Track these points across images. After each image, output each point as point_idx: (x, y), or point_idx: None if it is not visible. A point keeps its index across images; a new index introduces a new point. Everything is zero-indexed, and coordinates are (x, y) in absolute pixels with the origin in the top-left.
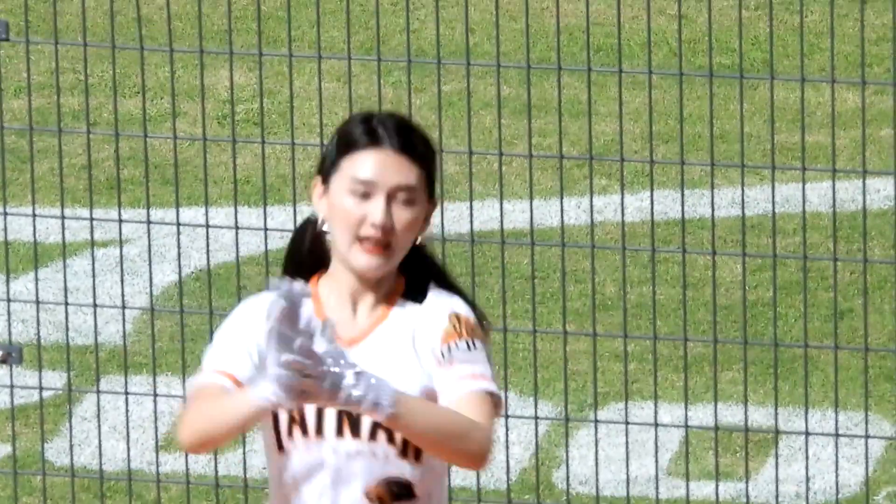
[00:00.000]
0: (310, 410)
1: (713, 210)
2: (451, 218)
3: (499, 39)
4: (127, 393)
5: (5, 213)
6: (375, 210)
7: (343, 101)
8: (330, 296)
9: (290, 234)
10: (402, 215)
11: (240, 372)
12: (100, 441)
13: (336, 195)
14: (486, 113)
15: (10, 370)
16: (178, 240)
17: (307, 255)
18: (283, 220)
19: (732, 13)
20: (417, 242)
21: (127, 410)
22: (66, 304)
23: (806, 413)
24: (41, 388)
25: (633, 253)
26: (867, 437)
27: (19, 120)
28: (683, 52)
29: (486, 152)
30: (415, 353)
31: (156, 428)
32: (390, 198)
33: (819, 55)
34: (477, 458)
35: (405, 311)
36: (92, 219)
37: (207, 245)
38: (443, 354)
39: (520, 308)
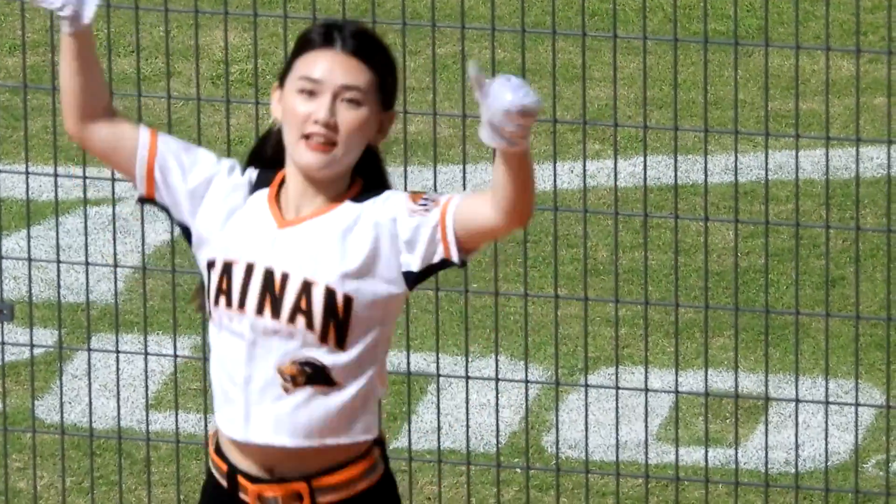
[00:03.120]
0: (236, 283)
1: (706, 176)
2: (445, 181)
3: (494, 3)
4: (118, 351)
5: None
6: (320, 108)
7: None
8: (284, 193)
9: None
10: (347, 115)
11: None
12: (90, 399)
13: (287, 96)
14: None
15: (1, 327)
16: None
17: (270, 157)
18: None
19: None
20: (373, 147)
21: (118, 369)
22: (58, 261)
23: (796, 380)
24: (32, 346)
25: (626, 218)
26: (857, 405)
27: (13, 77)
28: (678, 19)
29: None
30: (343, 247)
31: (146, 386)
32: (335, 97)
33: (814, 23)
34: (530, 210)
35: (348, 207)
36: (85, 177)
37: None
38: (422, 205)
39: (511, 272)
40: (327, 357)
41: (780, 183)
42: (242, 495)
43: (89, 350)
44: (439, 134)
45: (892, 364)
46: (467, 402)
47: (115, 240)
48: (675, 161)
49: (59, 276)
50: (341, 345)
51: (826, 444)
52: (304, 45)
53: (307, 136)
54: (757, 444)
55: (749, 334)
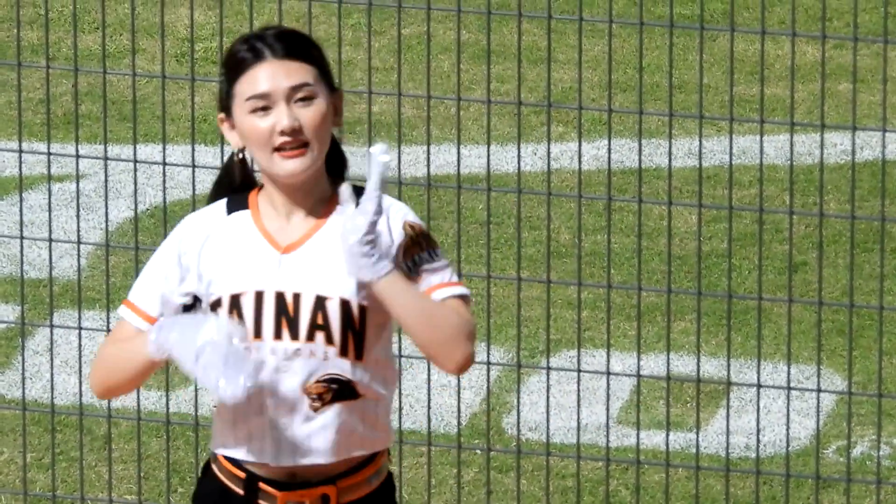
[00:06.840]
0: (248, 313)
1: (670, 160)
2: (408, 161)
3: None
4: (80, 328)
5: None
6: (280, 117)
7: None
8: (267, 207)
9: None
10: (305, 113)
11: (152, 310)
12: (52, 375)
13: (241, 121)
14: (444, 57)
15: None
16: (135, 176)
17: (239, 185)
18: None
19: None
20: (335, 136)
21: (80, 345)
22: (21, 237)
23: (758, 365)
24: None
25: (589, 201)
26: (819, 390)
27: None
28: (643, 2)
29: (444, 97)
30: None
31: None
32: (289, 101)
33: (780, 8)
34: (464, 359)
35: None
36: (49, 153)
37: (164, 182)
38: (409, 268)
39: (474, 253)
40: (350, 370)
41: (744, 168)
42: (263, 502)
43: (51, 326)
44: (403, 114)
45: (853, 350)
46: (429, 383)
47: (78, 216)
48: (640, 145)
49: (21, 251)
50: (360, 356)
51: (787, 430)
52: (236, 67)
53: (278, 149)
54: (718, 428)
55: (711, 319)
